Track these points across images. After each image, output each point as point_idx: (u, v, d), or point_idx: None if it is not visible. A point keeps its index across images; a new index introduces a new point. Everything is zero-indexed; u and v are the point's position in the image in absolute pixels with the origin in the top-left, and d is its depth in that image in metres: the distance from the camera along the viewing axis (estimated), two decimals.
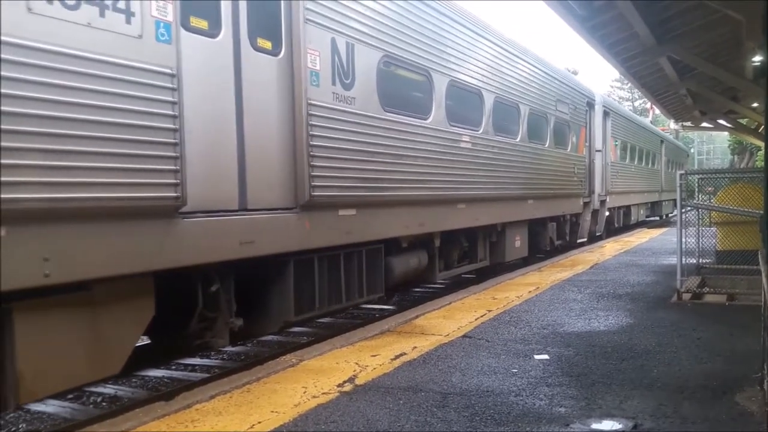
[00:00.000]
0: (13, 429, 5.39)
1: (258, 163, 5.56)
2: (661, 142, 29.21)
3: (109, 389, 6.14)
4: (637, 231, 21.33)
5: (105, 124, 4.16)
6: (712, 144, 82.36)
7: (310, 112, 5.99)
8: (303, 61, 5.95)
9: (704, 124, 27.85)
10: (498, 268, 11.57)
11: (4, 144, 3.62)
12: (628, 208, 22.14)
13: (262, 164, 5.61)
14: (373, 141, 7.03)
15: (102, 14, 4.16)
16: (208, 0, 5.13)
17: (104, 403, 5.97)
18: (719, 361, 5.05)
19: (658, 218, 29.74)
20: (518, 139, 11.40)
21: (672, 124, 38.93)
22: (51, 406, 5.67)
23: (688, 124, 28.44)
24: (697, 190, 11.48)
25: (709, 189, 10.70)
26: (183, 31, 4.83)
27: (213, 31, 5.18)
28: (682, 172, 8.63)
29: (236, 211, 5.34)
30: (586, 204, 16.25)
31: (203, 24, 5.09)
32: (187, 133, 4.77)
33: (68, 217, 4.00)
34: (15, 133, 3.68)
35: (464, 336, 6.06)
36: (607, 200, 18.25)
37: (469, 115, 9.64)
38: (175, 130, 4.59)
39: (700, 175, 10.35)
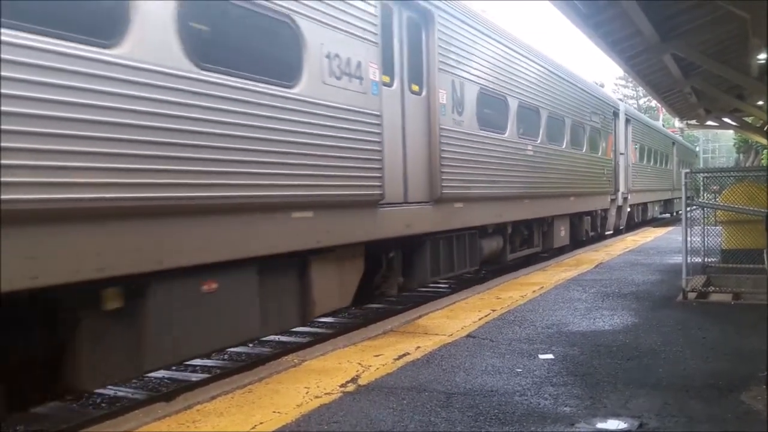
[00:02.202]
0: (11, 431, 5.36)
1: (412, 169, 7.84)
2: (673, 143, 30.94)
3: (109, 390, 6.11)
4: (641, 230, 21.29)
5: (350, 149, 6.44)
6: (717, 142, 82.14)
7: (440, 134, 8.32)
8: (436, 98, 8.29)
9: (709, 123, 27.65)
10: (550, 253, 13.93)
11: (309, 162, 5.88)
12: (645, 205, 24.04)
13: (414, 171, 7.89)
14: (474, 152, 9.31)
15: (350, 81, 6.50)
16: (390, 62, 7.47)
17: (104, 404, 5.95)
18: (725, 360, 5.01)
19: (669, 215, 30.65)
20: (563, 147, 13.64)
21: (677, 123, 38.80)
22: (50, 408, 5.63)
23: (693, 122, 28.24)
24: (702, 188, 11.42)
25: (715, 187, 10.65)
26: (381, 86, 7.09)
27: (391, 83, 7.54)
28: (687, 170, 8.58)
29: (402, 203, 7.63)
30: (612, 201, 18.25)
31: (387, 79, 7.41)
32: (384, 151, 7.05)
33: (332, 206, 6.30)
34: (308, 156, 5.90)
35: (468, 336, 6.03)
36: (629, 198, 20.17)
37: (531, 128, 11.88)
38: (380, 151, 6.97)
39: (706, 174, 10.30)
